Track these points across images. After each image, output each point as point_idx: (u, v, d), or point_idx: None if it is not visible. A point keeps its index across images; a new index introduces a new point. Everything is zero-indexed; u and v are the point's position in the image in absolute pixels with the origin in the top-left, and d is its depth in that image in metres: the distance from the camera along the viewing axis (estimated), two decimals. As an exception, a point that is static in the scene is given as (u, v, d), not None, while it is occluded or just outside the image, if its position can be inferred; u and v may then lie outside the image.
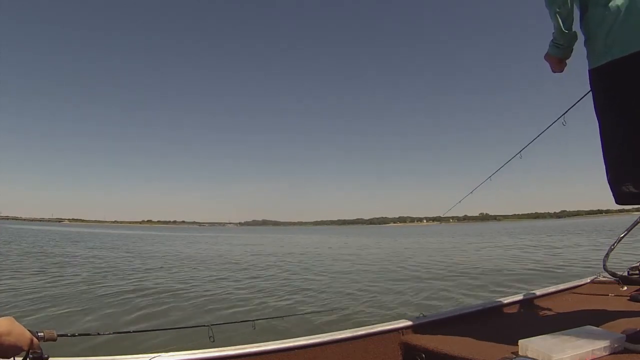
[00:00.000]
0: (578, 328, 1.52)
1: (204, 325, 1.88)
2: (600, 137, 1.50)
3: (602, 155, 1.50)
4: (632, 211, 2.29)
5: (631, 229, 2.61)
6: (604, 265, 2.67)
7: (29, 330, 1.01)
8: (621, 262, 3.01)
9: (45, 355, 1.08)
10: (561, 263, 9.56)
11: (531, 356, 1.34)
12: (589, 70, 1.50)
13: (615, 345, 1.35)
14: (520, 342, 1.41)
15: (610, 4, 1.34)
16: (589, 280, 2.79)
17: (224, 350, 1.52)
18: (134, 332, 2.33)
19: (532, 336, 1.43)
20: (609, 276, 2.65)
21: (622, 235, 2.70)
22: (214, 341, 1.72)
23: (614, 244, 2.74)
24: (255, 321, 2.01)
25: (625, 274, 2.60)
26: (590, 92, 1.53)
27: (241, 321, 2.20)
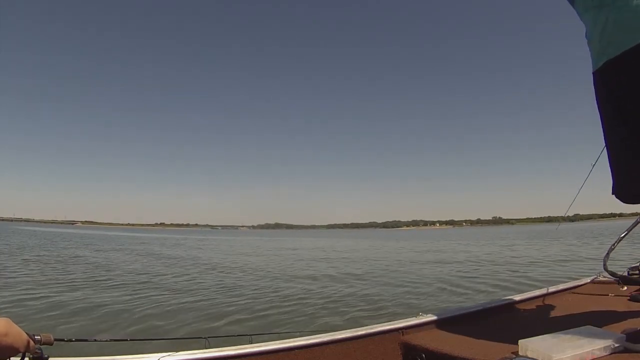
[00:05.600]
0: (578, 328, 1.51)
1: (201, 337, 1.87)
2: (604, 138, 1.50)
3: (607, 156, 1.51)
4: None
5: (631, 229, 2.61)
6: (604, 265, 2.67)
7: (25, 332, 1.01)
8: (621, 262, 3.01)
9: (46, 356, 1.08)
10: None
11: (531, 356, 1.33)
12: (592, 73, 1.50)
13: (615, 345, 1.35)
14: (520, 342, 1.41)
15: (600, 5, 1.35)
16: (589, 280, 2.79)
17: (224, 351, 1.52)
18: (130, 340, 2.32)
19: (532, 336, 1.43)
20: (609, 276, 2.65)
21: (622, 235, 2.70)
22: None
23: (614, 244, 2.73)
24: (252, 335, 1.97)
25: (625, 274, 2.60)
26: (594, 95, 1.54)
27: (239, 335, 2.17)
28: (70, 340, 1.46)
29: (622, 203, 1.49)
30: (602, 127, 1.51)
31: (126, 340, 2.26)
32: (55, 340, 1.14)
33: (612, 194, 1.48)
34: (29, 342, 1.01)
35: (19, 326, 0.99)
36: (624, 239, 2.71)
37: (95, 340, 1.86)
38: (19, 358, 1.02)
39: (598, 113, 1.52)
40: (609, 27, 1.34)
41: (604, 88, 1.46)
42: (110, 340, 1.92)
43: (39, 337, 1.07)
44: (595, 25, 1.39)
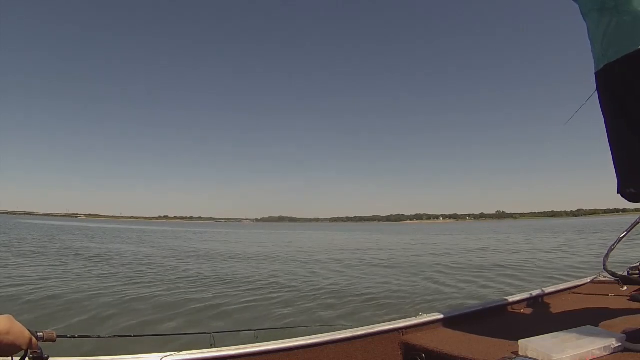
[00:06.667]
0: (578, 328, 1.52)
1: (206, 333, 1.85)
2: (607, 138, 1.52)
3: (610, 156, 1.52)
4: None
5: (631, 229, 2.60)
6: (604, 265, 2.67)
7: (28, 329, 1.00)
8: (621, 262, 3.01)
9: (45, 355, 1.07)
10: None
11: (531, 356, 1.34)
12: (594, 73, 1.53)
13: (615, 345, 1.36)
14: (520, 342, 1.41)
15: (602, 8, 1.37)
16: (589, 280, 2.79)
17: (224, 350, 1.53)
18: (134, 336, 2.29)
19: (532, 336, 1.43)
20: (609, 276, 2.65)
21: (622, 235, 2.70)
22: None
23: (614, 244, 2.73)
24: (257, 331, 1.95)
25: (625, 274, 2.60)
26: (596, 95, 1.56)
27: (244, 330, 2.15)
28: (73, 337, 1.45)
29: (627, 202, 1.50)
30: (606, 127, 1.53)
31: (130, 336, 2.23)
32: (58, 337, 1.13)
33: (617, 193, 1.50)
34: (31, 340, 1.00)
35: (22, 323, 0.99)
36: (624, 238, 2.71)
37: (98, 337, 1.83)
38: (21, 356, 1.01)
39: (601, 113, 1.54)
40: (611, 30, 1.36)
41: (605, 89, 1.48)
42: (114, 336, 1.89)
43: (41, 334, 1.06)
44: (598, 27, 1.41)
